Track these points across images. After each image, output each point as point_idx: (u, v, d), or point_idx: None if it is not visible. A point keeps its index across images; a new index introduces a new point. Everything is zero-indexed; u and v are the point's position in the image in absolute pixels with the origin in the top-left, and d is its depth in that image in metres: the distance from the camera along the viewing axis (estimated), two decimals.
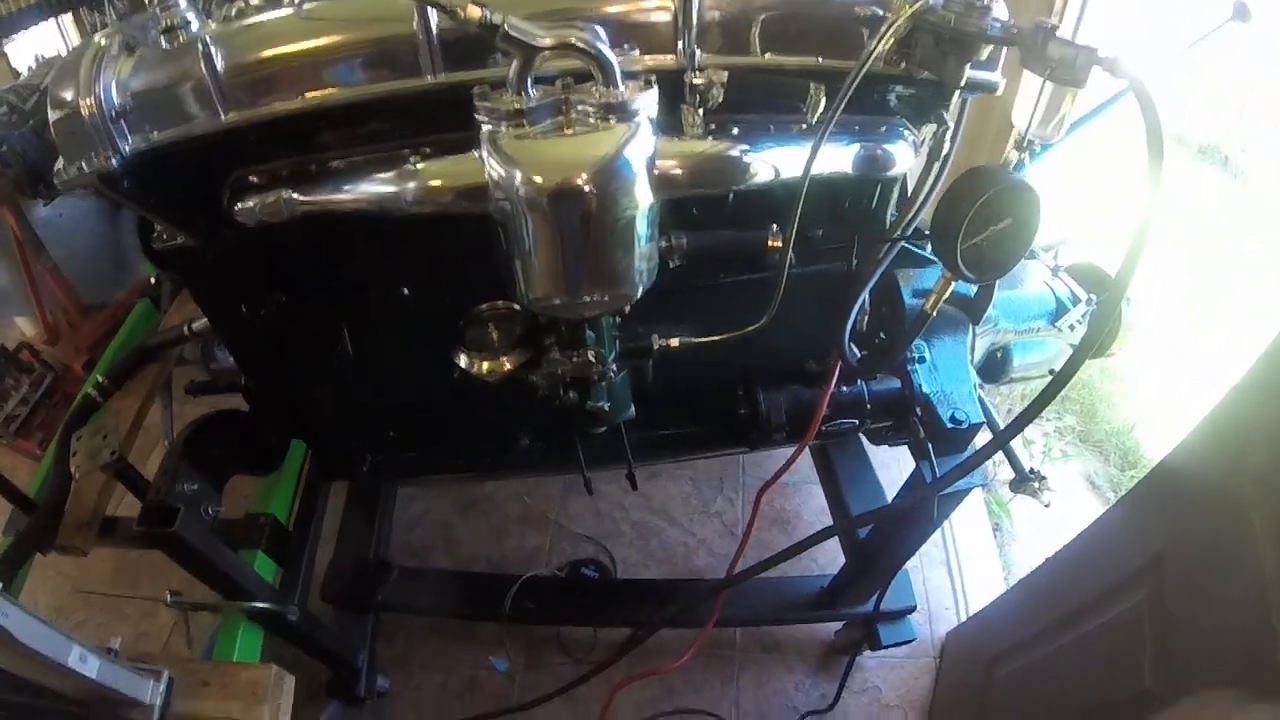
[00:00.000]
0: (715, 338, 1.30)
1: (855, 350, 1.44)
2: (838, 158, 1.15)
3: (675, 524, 2.28)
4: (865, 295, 1.29)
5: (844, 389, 1.54)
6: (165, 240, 1.26)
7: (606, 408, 1.26)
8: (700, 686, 2.02)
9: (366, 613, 2.02)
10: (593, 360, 1.16)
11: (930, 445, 1.52)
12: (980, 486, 1.61)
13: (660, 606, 1.90)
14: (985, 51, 1.02)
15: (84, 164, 1.08)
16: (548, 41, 0.91)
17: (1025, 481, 1.71)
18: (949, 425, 1.46)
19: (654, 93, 0.98)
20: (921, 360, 1.59)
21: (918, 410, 1.55)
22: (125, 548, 1.76)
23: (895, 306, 1.51)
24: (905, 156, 1.19)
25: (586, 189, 0.95)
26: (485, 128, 0.98)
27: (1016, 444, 2.51)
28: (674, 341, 1.30)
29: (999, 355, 1.91)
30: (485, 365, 1.21)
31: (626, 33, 1.04)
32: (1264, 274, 3.42)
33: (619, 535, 2.28)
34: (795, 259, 1.18)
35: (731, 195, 1.20)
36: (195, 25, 1.05)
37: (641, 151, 0.97)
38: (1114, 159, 2.96)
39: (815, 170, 1.04)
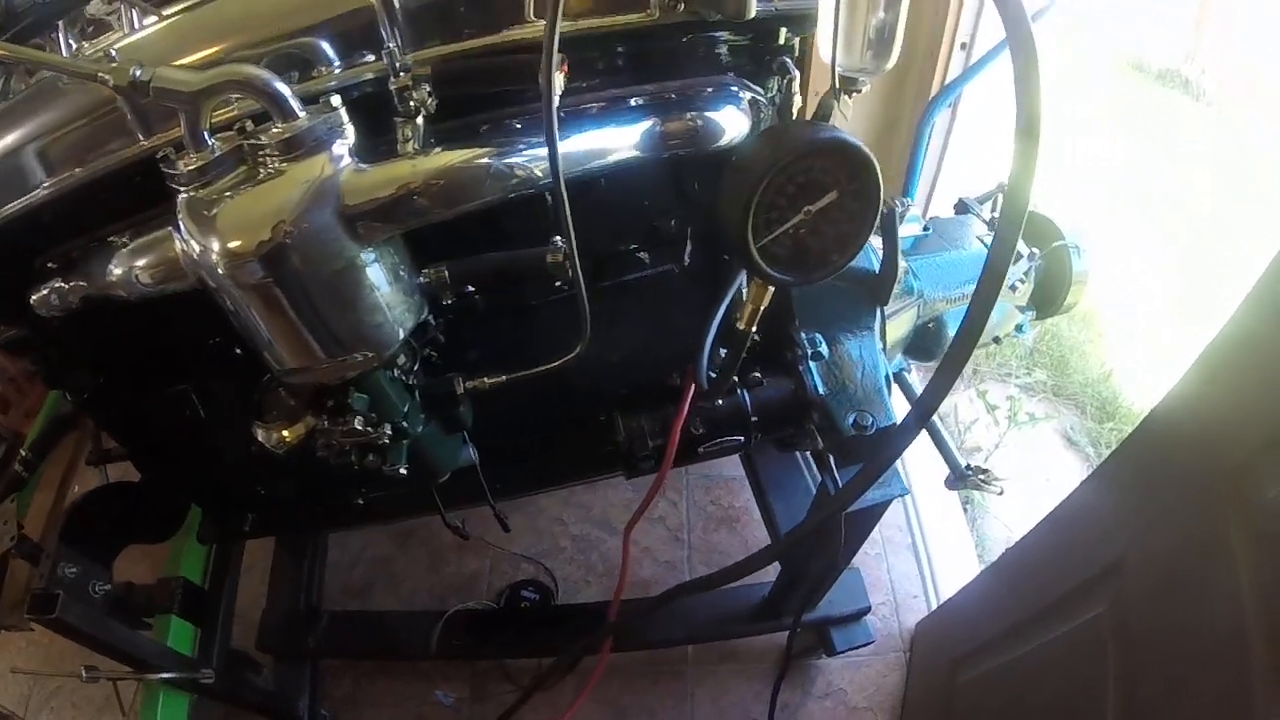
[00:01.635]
0: (528, 372, 1.20)
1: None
2: (634, 141, 1.00)
3: (616, 534, 2.23)
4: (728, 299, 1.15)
5: (719, 402, 1.39)
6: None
7: (402, 470, 1.15)
8: (653, 708, 1.95)
9: (303, 660, 1.99)
10: (359, 427, 1.06)
11: (831, 457, 1.37)
12: (900, 496, 1.42)
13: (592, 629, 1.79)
14: None
15: None
16: (202, 85, 0.82)
17: (963, 479, 1.56)
18: (850, 432, 1.29)
19: (339, 113, 0.89)
20: (816, 357, 1.42)
21: (815, 416, 1.39)
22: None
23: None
24: (736, 122, 1.02)
25: (264, 254, 0.87)
26: (178, 195, 0.89)
27: (970, 411, 2.35)
28: (483, 382, 1.21)
29: (931, 328, 1.73)
30: (269, 438, 1.12)
31: (329, 49, 0.94)
32: (1241, 205, 3.12)
33: (559, 552, 2.25)
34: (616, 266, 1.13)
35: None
36: None
37: (327, 191, 0.87)
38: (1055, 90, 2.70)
39: (600, 162, 0.95)
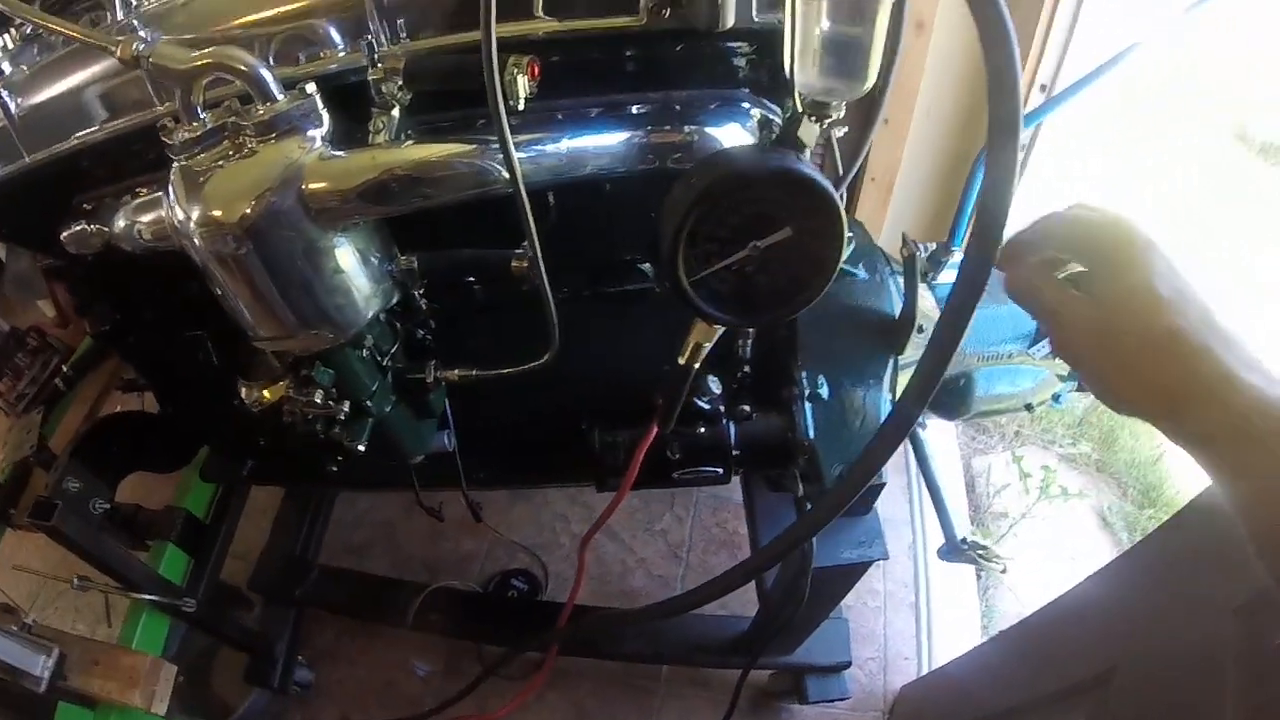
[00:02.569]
0: (498, 372, 1.22)
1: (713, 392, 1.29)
2: (620, 150, 0.98)
3: (616, 540, 2.22)
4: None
5: (702, 429, 1.37)
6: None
7: (360, 447, 1.18)
8: (614, 716, 1.94)
9: (290, 606, 2.07)
10: (317, 400, 1.10)
11: (810, 506, 1.34)
12: (879, 560, 1.39)
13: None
14: None
15: None
16: (189, 65, 0.86)
17: (958, 552, 1.50)
18: (830, 485, 1.25)
19: (313, 100, 0.92)
20: (814, 398, 1.38)
21: (800, 461, 1.36)
22: None
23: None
24: (739, 140, 0.99)
25: (233, 228, 0.92)
26: (173, 162, 0.95)
27: (1005, 475, 2.25)
28: (450, 374, 1.24)
29: (961, 384, 1.66)
30: (249, 396, 1.17)
31: (329, 35, 0.98)
32: None
33: (556, 548, 2.26)
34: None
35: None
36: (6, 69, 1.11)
37: (293, 174, 0.91)
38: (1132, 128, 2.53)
39: (582, 169, 0.94)
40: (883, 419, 1.31)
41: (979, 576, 2.20)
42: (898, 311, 1.39)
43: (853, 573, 1.47)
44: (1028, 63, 1.80)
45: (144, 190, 1.13)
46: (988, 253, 0.62)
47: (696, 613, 1.88)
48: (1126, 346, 0.55)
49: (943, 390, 1.64)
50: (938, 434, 2.37)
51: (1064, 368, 1.70)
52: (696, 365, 0.99)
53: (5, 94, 1.11)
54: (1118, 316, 0.55)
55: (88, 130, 1.13)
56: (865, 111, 1.05)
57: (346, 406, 1.14)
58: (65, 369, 1.92)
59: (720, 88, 1.02)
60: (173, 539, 1.82)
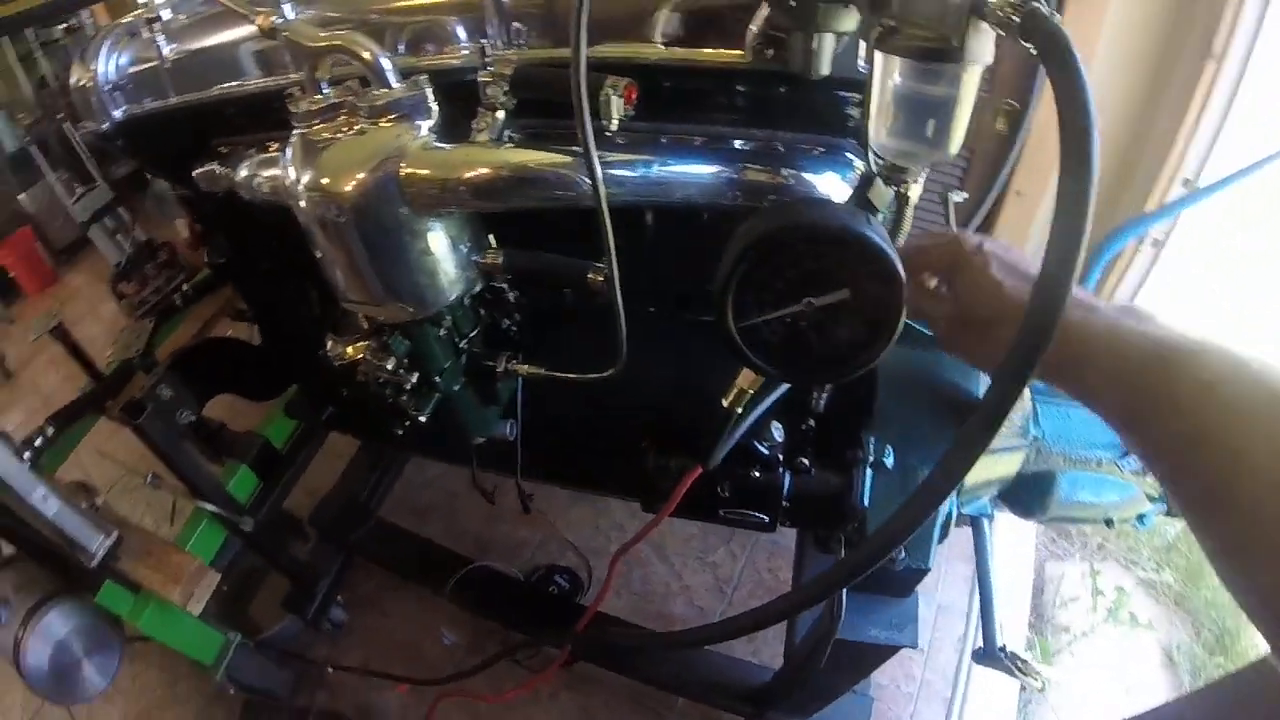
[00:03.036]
0: (565, 375, 1.25)
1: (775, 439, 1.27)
2: (711, 182, 0.97)
3: (666, 562, 2.23)
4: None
5: (757, 473, 1.36)
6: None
7: (421, 419, 1.24)
8: None
9: (341, 548, 2.16)
10: (389, 367, 1.16)
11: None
12: (906, 647, 1.35)
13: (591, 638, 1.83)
14: (842, 19, 0.78)
15: (88, 125, 1.36)
16: (317, 44, 0.93)
17: (994, 657, 1.44)
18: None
19: (424, 92, 0.97)
20: (877, 466, 1.34)
21: (849, 526, 1.33)
22: None
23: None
24: (835, 191, 0.95)
25: (334, 199, 0.98)
26: (294, 129, 1.03)
27: (1077, 587, 2.12)
28: (521, 368, 1.28)
29: (1042, 483, 1.58)
30: (333, 350, 1.24)
31: (455, 31, 1.04)
32: None
33: (606, 555, 2.28)
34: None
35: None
36: (166, 16, 1.24)
37: (394, 159, 0.96)
38: None
39: (668, 197, 0.94)
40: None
41: (1022, 688, 2.09)
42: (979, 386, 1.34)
43: (878, 653, 1.42)
44: (1171, 156, 1.71)
45: (274, 146, 1.23)
46: (1040, 337, 0.57)
47: (725, 652, 1.89)
48: (980, 323, 0.72)
49: (1022, 487, 1.58)
50: (1015, 530, 2.27)
51: (1154, 488, 1.60)
52: (739, 410, 0.98)
53: (161, 38, 1.22)
54: (970, 304, 0.72)
55: (232, 83, 1.24)
56: (987, 180, 1.02)
57: (415, 377, 1.19)
58: (186, 287, 2.05)
59: (828, 134, 0.99)
60: (247, 461, 1.94)
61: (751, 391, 0.96)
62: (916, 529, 0.71)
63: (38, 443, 1.74)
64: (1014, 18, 0.57)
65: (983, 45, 0.63)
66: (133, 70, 1.32)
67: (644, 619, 2.10)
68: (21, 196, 5.28)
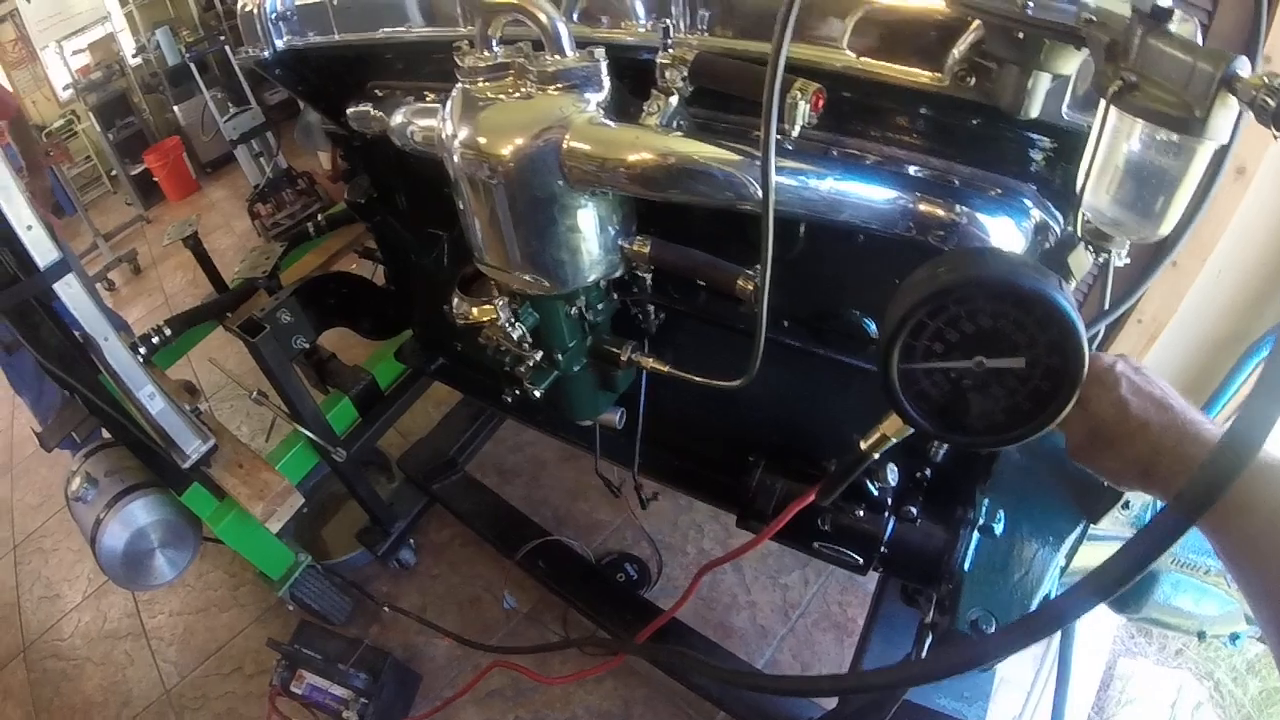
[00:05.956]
0: (690, 377, 1.19)
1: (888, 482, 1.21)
2: (881, 207, 0.90)
3: (738, 572, 2.18)
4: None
5: (861, 513, 1.29)
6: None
7: (536, 393, 1.22)
8: None
9: (423, 494, 2.20)
10: (514, 337, 1.15)
11: (931, 638, 1.22)
12: None
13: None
14: (1066, 60, 0.72)
15: (249, 50, 1.40)
16: (495, 1, 0.91)
17: None
18: (963, 627, 1.11)
19: (599, 65, 0.93)
20: (985, 530, 1.26)
21: (943, 587, 1.26)
22: None
23: None
24: (1007, 237, 0.88)
25: (491, 158, 0.96)
26: (458, 83, 1.01)
27: (1145, 685, 1.97)
28: (646, 361, 1.23)
29: (1144, 579, 1.48)
30: (459, 308, 1.23)
31: (635, 6, 1.00)
32: None
33: (680, 553, 2.25)
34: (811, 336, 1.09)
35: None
36: None
37: (558, 129, 0.93)
38: None
39: (834, 213, 0.88)
40: (1045, 581, 1.18)
41: None
42: None
43: None
44: None
45: (430, 95, 1.22)
46: (1199, 502, 0.55)
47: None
48: (1106, 439, 0.74)
49: None
50: (1098, 619, 2.12)
51: None
52: (876, 455, 0.92)
53: None
54: (1098, 420, 0.73)
55: (397, 28, 1.23)
56: (1154, 250, 0.93)
57: (539, 354, 1.17)
58: (320, 218, 2.09)
59: (1007, 174, 0.91)
60: (351, 395, 1.98)
61: (894, 440, 0.89)
62: (1015, 651, 0.68)
63: (155, 340, 1.82)
64: (1269, 101, 0.50)
65: (1226, 123, 0.57)
66: (300, 3, 1.35)
67: (704, 625, 2.04)
68: (176, 108, 5.59)
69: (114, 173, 5.94)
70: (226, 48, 4.21)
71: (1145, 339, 1.91)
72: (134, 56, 5.67)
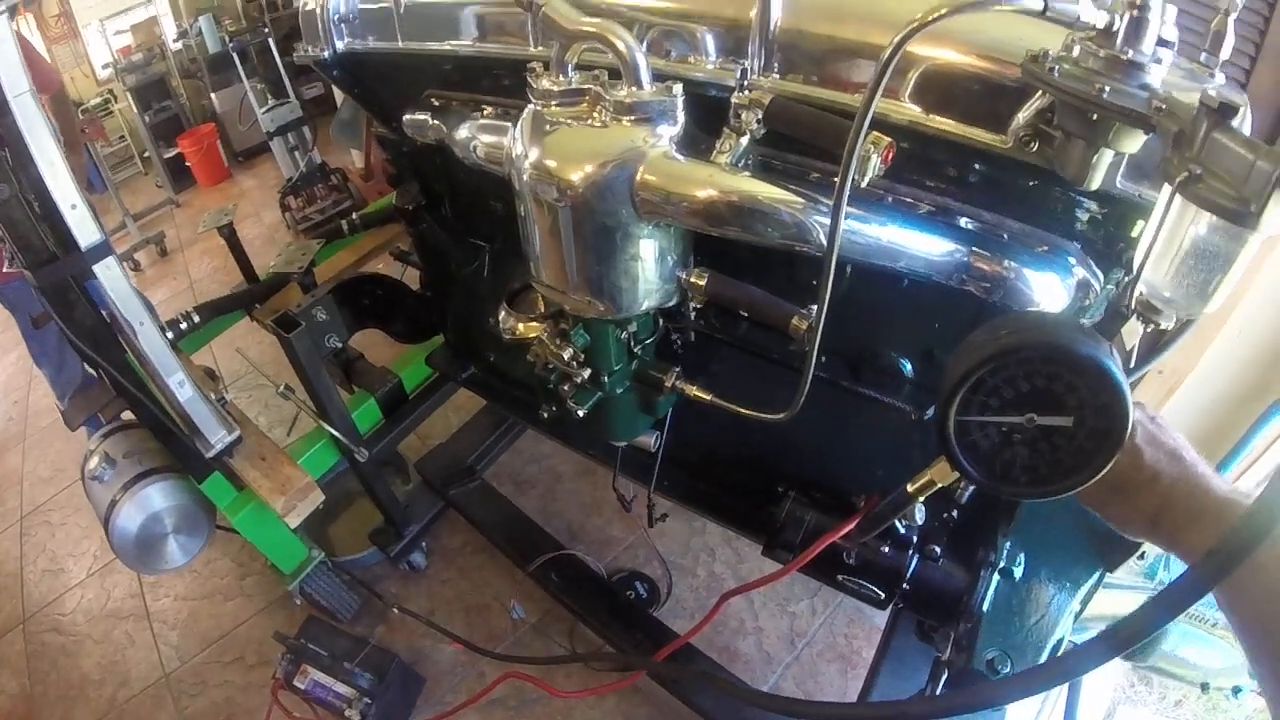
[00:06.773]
0: (735, 408, 1.20)
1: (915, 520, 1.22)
2: (933, 257, 0.93)
3: (746, 597, 2.19)
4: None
5: (886, 548, 1.31)
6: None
7: (580, 413, 1.24)
8: None
9: (439, 499, 2.23)
10: (565, 357, 1.17)
11: (946, 675, 1.24)
12: None
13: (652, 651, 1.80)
14: (1133, 141, 0.75)
15: (308, 49, 1.43)
16: (576, 28, 0.93)
17: None
18: (978, 667, 1.14)
19: (675, 101, 0.95)
20: (1005, 573, 1.28)
21: (960, 626, 1.27)
22: None
23: None
24: (1051, 294, 0.91)
25: (561, 182, 0.97)
26: (530, 103, 1.03)
27: None
28: (690, 388, 1.25)
29: None
30: (506, 323, 1.25)
31: (709, 43, 1.03)
32: None
33: (690, 575, 2.25)
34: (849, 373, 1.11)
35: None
36: None
37: (632, 160, 0.94)
38: None
39: (888, 261, 0.91)
40: (1059, 625, 1.20)
41: None
42: None
43: None
44: None
45: (487, 110, 1.24)
46: (1220, 567, 0.57)
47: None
48: (1117, 486, 0.74)
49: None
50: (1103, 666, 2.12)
51: None
52: (921, 500, 0.94)
53: None
54: (1112, 468, 0.71)
55: (462, 42, 1.26)
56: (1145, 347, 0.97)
57: (586, 373, 1.19)
58: (355, 217, 2.11)
59: (1054, 230, 0.95)
60: (377, 396, 1.99)
61: (940, 485, 0.91)
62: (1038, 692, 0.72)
63: (183, 326, 1.84)
64: None
65: (1278, 217, 0.59)
66: (364, 7, 1.37)
67: (708, 648, 2.05)
68: (213, 95, 5.64)
69: (147, 154, 5.96)
70: (270, 40, 4.25)
71: (1165, 390, 1.93)
72: (175, 41, 5.70)
